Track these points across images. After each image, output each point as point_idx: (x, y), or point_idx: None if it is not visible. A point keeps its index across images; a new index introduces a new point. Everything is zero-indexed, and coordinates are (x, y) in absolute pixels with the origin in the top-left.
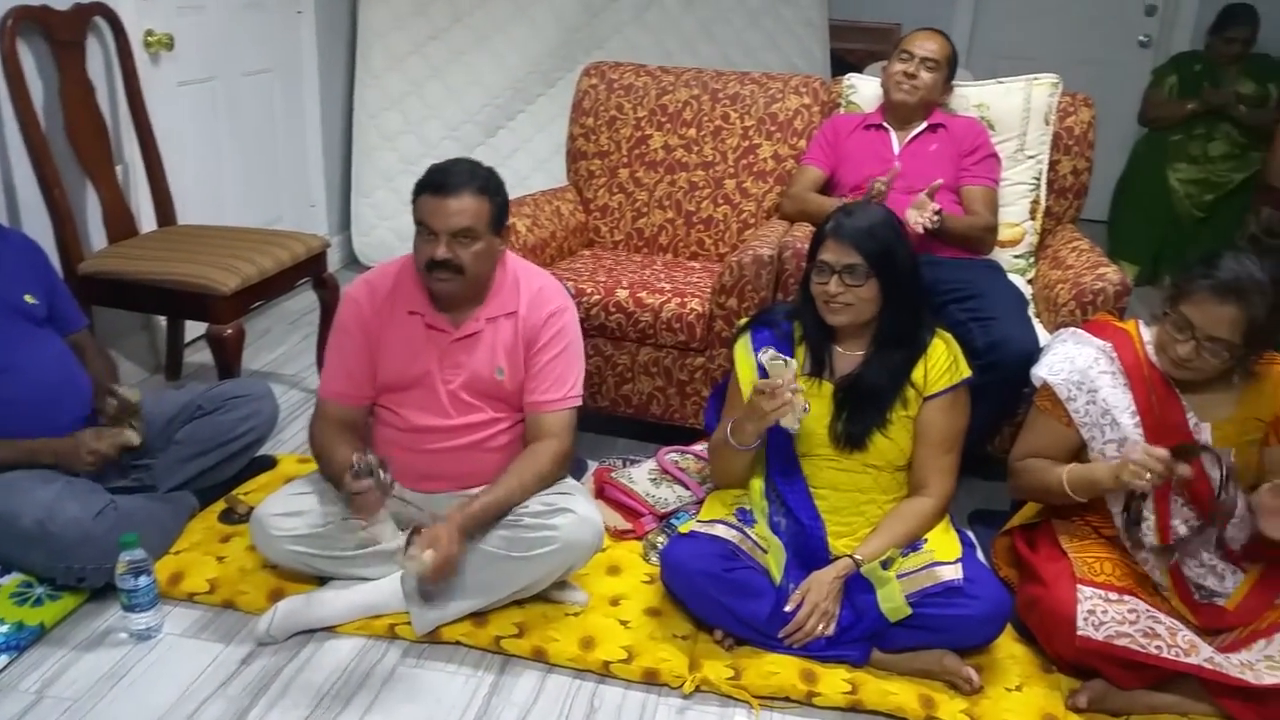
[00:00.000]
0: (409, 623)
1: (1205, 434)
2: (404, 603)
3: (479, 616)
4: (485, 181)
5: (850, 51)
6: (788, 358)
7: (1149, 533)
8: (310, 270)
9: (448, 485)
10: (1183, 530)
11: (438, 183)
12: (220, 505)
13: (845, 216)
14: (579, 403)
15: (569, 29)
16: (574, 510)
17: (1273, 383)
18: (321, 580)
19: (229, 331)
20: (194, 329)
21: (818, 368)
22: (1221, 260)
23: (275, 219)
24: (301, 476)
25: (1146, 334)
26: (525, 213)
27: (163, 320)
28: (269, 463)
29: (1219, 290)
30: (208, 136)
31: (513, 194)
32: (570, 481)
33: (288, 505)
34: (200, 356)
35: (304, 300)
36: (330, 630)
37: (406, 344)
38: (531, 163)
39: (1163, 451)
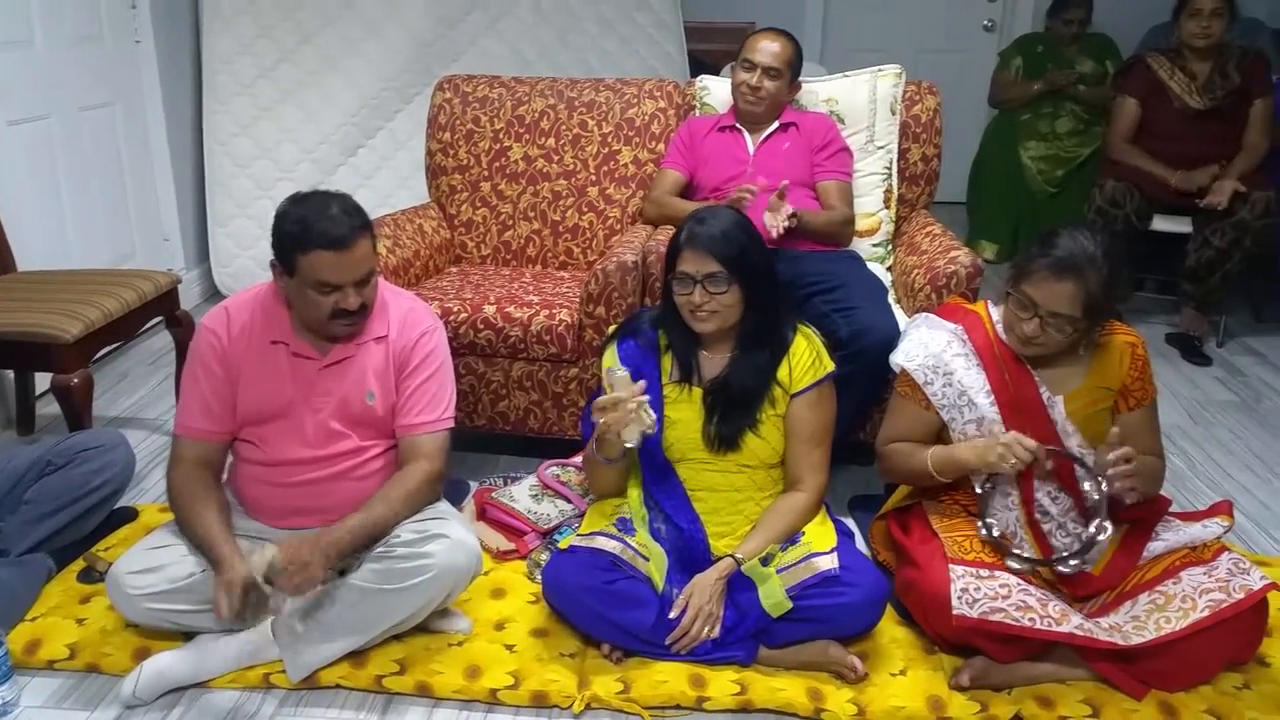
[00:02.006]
0: (284, 670)
1: (1058, 408)
2: (277, 650)
3: (357, 655)
4: (364, 217)
5: (708, 52)
6: (626, 371)
7: (1015, 525)
8: (161, 309)
9: (315, 520)
10: (1046, 502)
11: (334, 237)
12: (79, 564)
13: (698, 225)
14: (452, 424)
15: (422, 43)
16: (448, 535)
17: (1117, 352)
18: (188, 635)
19: (75, 380)
20: (44, 379)
21: (685, 374)
22: (1058, 239)
23: (127, 257)
24: (158, 528)
25: (996, 314)
26: (385, 233)
27: (10, 373)
28: (130, 515)
29: (1056, 268)
30: (46, 176)
31: (378, 213)
32: (443, 506)
33: (144, 561)
34: (55, 408)
35: (164, 339)
36: (202, 685)
37: (270, 374)
38: (395, 180)
39: (1032, 443)
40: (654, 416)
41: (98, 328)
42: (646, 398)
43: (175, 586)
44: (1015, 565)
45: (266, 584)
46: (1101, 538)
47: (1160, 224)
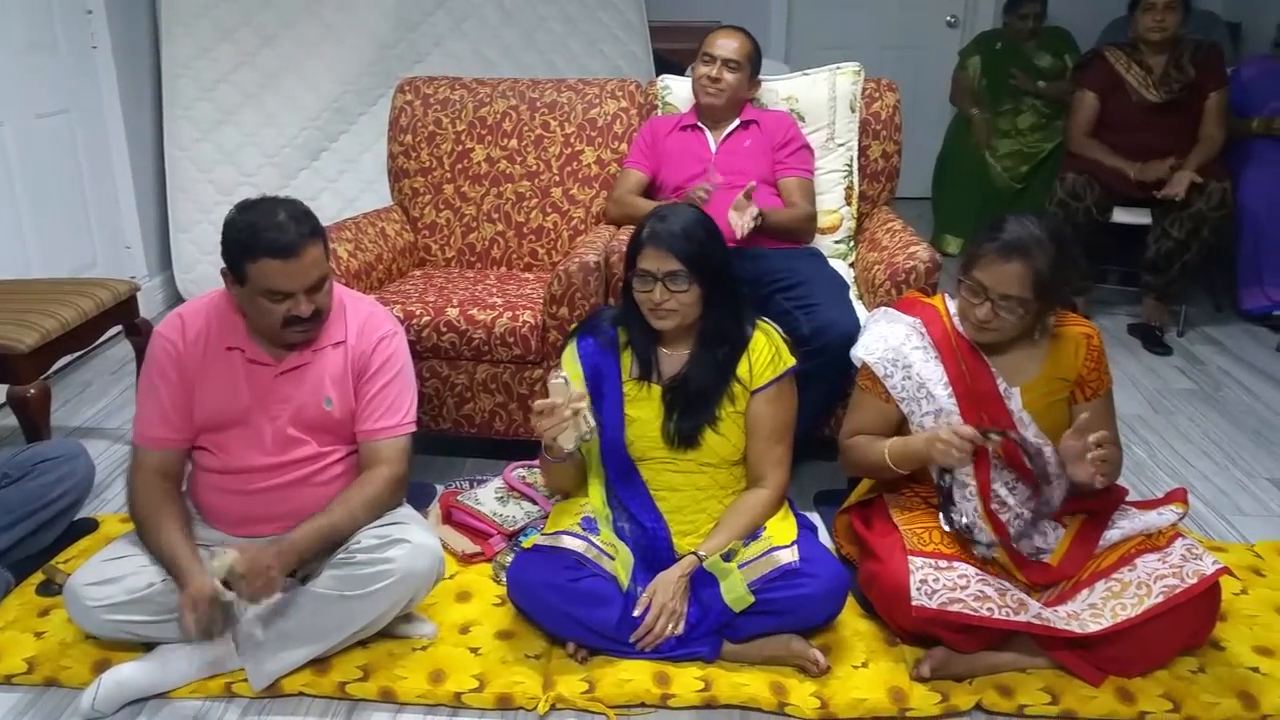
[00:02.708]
0: (246, 679)
1: (1015, 399)
2: (239, 659)
3: (320, 662)
4: (313, 222)
5: (674, 51)
6: (564, 376)
7: (974, 516)
8: (120, 317)
9: (275, 527)
10: (1004, 492)
11: (281, 245)
12: (38, 577)
13: (659, 222)
14: (414, 428)
15: (384, 45)
16: (409, 540)
17: (1073, 343)
18: (149, 645)
19: (32, 391)
20: (1, 391)
21: (645, 371)
22: (1005, 224)
23: (88, 265)
24: (116, 539)
25: (953, 307)
26: (346, 237)
27: None
28: (90, 526)
29: (1003, 250)
30: (2, 186)
31: (344, 216)
32: (405, 510)
33: (101, 572)
34: (13, 419)
35: (127, 348)
36: (163, 696)
37: (226, 381)
38: (359, 184)
39: (969, 430)
40: (592, 424)
41: (55, 337)
42: (584, 404)
43: (134, 597)
44: (979, 552)
45: (225, 587)
46: (1057, 498)
47: (1120, 216)
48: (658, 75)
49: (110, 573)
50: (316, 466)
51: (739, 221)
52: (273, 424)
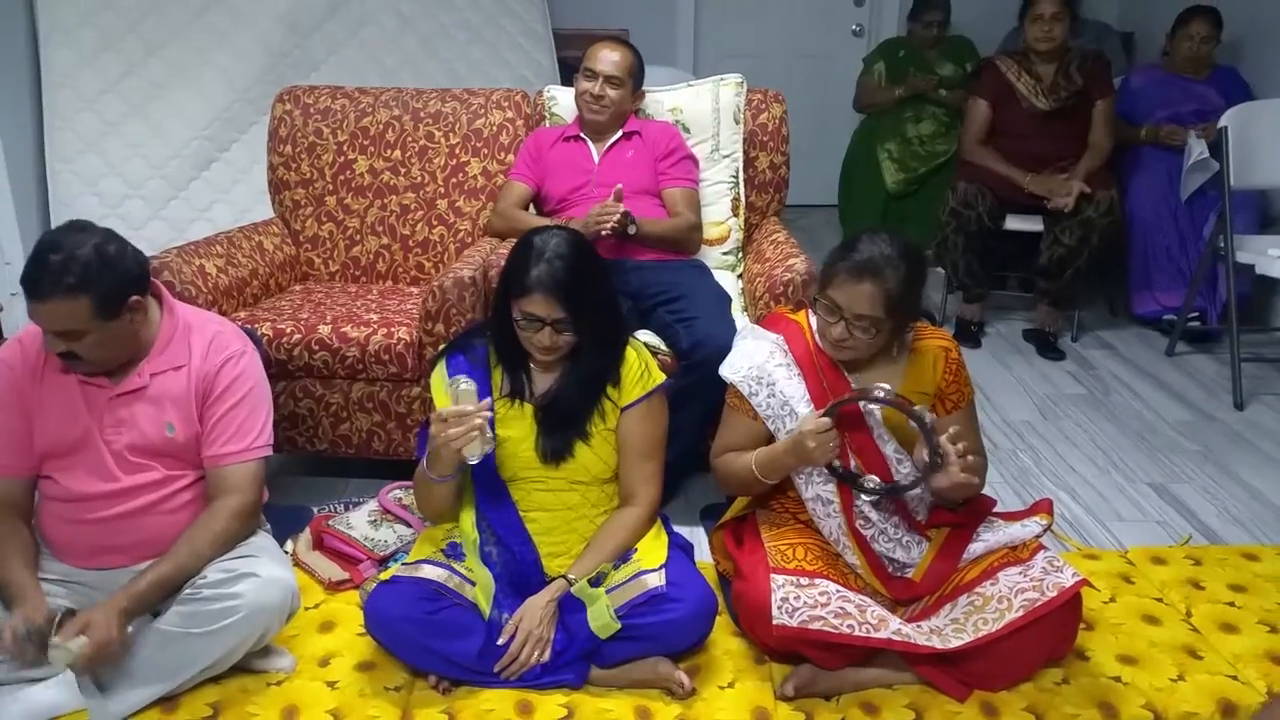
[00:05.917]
0: None
1: (876, 413)
2: (81, 699)
3: (169, 700)
4: (79, 277)
5: (580, 59)
6: (473, 384)
7: (838, 533)
8: None
9: (124, 558)
10: (867, 509)
11: (28, 284)
12: None
13: (547, 266)
14: (267, 452)
15: (276, 54)
16: (257, 574)
17: (931, 356)
18: None
19: None
20: None
21: (516, 390)
22: (858, 243)
23: None
24: None
25: (815, 323)
26: (217, 252)
27: None
28: None
29: (855, 271)
30: None
31: (235, 227)
32: (258, 541)
33: None
34: None
35: None
36: None
37: (63, 404)
38: (252, 194)
39: (825, 421)
40: (493, 435)
41: None
42: (490, 414)
43: None
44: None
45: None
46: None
47: (1013, 223)
48: (563, 84)
49: None
50: (164, 493)
51: (602, 218)
52: (110, 448)
